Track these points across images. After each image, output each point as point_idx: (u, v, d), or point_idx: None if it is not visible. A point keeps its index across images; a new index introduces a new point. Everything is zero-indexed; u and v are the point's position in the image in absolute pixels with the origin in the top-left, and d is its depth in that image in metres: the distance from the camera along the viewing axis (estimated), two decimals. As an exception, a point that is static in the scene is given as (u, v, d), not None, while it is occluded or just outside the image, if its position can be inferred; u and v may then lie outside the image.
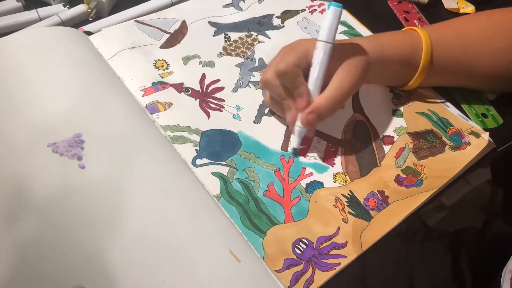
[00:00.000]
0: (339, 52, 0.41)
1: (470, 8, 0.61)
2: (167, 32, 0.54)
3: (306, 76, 0.42)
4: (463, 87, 0.50)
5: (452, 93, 0.51)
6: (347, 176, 0.44)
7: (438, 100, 0.50)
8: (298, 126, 0.42)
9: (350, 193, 0.42)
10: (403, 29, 0.48)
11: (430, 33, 0.46)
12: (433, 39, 0.46)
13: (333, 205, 0.41)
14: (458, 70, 0.47)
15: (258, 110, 0.48)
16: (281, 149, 0.45)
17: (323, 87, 0.41)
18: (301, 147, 0.44)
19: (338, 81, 0.41)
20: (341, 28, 0.57)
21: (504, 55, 0.46)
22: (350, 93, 0.42)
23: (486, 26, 0.47)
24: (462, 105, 0.50)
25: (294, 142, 0.44)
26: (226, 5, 0.58)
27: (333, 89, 0.41)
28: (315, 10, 0.59)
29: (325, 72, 0.41)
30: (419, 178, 0.43)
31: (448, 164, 0.44)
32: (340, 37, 0.55)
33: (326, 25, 0.40)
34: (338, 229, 0.40)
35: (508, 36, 0.46)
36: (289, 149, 0.45)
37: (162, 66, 0.50)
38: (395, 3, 0.61)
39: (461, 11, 0.61)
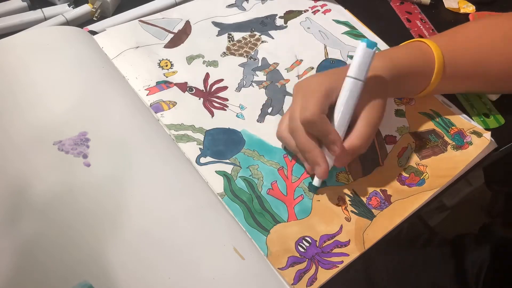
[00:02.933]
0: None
1: (471, 8, 0.62)
2: (171, 32, 0.54)
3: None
4: (481, 92, 0.51)
5: (454, 94, 0.51)
6: (349, 175, 0.44)
7: (440, 100, 0.50)
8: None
9: (353, 192, 0.43)
10: (411, 41, 0.48)
11: (441, 44, 0.45)
12: (446, 51, 0.45)
13: (336, 204, 0.42)
14: (471, 79, 0.47)
15: (261, 109, 0.48)
16: (285, 148, 0.45)
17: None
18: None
19: (368, 116, 0.40)
20: (343, 28, 0.57)
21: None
22: (379, 125, 0.41)
23: (495, 34, 0.47)
24: (463, 105, 0.50)
25: (316, 181, 0.42)
26: (230, 5, 0.58)
27: (363, 125, 0.40)
28: (318, 10, 0.59)
29: (353, 110, 0.40)
30: (421, 178, 0.44)
31: (450, 164, 0.44)
32: (342, 37, 0.56)
33: (358, 60, 0.39)
34: (341, 227, 0.40)
35: None
36: (310, 185, 0.43)
37: (166, 66, 0.51)
38: (398, 4, 0.62)
39: (462, 11, 0.62)
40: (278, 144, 0.45)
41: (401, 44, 0.47)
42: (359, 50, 0.39)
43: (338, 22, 0.58)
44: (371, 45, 0.39)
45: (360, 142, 0.39)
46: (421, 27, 0.59)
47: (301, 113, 0.39)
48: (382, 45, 0.55)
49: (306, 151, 0.40)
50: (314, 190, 0.43)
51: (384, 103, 0.41)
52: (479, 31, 0.47)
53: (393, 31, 0.58)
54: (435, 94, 0.50)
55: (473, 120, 0.49)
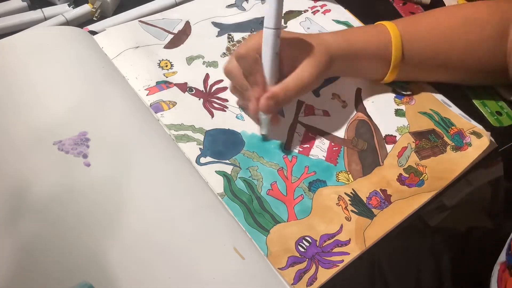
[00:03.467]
0: (303, 46, 0.42)
1: None
2: (171, 33, 0.54)
3: None
4: (445, 81, 0.51)
5: (465, 92, 0.52)
6: (349, 175, 0.44)
7: (440, 100, 0.50)
8: (260, 115, 0.43)
9: (353, 192, 0.43)
10: (375, 24, 0.48)
11: (401, 27, 0.46)
12: (404, 33, 0.45)
13: (336, 203, 0.42)
14: (432, 64, 0.48)
15: (261, 109, 0.48)
16: (284, 148, 0.45)
17: (283, 75, 0.42)
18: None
19: (298, 73, 0.42)
20: (343, 28, 0.57)
21: (477, 48, 0.46)
22: (309, 86, 0.42)
23: (458, 19, 0.47)
24: (475, 103, 0.51)
25: (262, 130, 0.45)
26: (230, 6, 0.58)
27: (291, 79, 0.41)
28: (318, 11, 0.59)
29: (275, 59, 0.41)
30: (420, 178, 0.44)
31: (449, 165, 0.44)
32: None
33: (268, 10, 0.40)
34: (341, 227, 0.40)
35: (479, 29, 0.46)
36: (260, 133, 0.46)
37: (166, 66, 0.51)
38: (400, 5, 0.62)
39: None
40: (278, 145, 0.45)
41: (360, 26, 0.48)
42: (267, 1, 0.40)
43: (338, 22, 0.58)
44: None
45: (282, 91, 0.41)
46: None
47: (238, 49, 0.42)
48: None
49: (242, 88, 0.43)
50: (263, 139, 0.45)
51: (321, 66, 0.42)
52: (441, 17, 0.48)
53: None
54: (403, 79, 0.50)
55: (472, 120, 0.48)
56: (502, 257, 0.39)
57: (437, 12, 0.49)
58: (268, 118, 0.43)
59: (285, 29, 0.56)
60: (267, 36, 0.40)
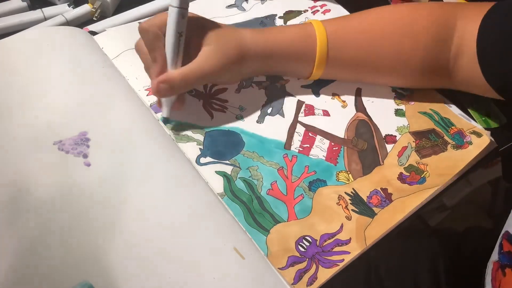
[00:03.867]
0: (214, 34, 0.41)
1: (463, 2, 0.62)
2: (171, 32, 0.54)
3: None
4: (378, 84, 0.50)
5: (454, 92, 0.51)
6: (350, 175, 0.44)
7: (440, 100, 0.50)
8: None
9: (353, 191, 0.43)
10: (303, 23, 0.47)
11: (329, 27, 0.45)
12: (332, 34, 0.44)
13: (336, 203, 0.42)
14: (361, 66, 0.47)
15: (261, 110, 0.48)
16: (285, 148, 0.45)
17: (190, 60, 0.41)
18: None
19: (200, 62, 0.41)
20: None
21: (410, 56, 0.45)
22: (210, 77, 0.42)
23: (391, 26, 0.46)
24: (465, 105, 0.50)
25: (163, 112, 0.44)
26: (229, 6, 0.58)
27: (192, 67, 0.41)
28: (318, 10, 0.59)
29: (178, 40, 0.40)
30: (422, 176, 0.44)
31: (451, 162, 0.44)
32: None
33: None
34: (342, 226, 0.40)
35: (411, 40, 0.45)
36: (160, 117, 0.45)
37: (166, 66, 0.51)
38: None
39: None
40: (278, 145, 0.45)
41: (290, 25, 0.47)
42: None
43: (337, 22, 0.58)
44: None
45: (180, 78, 0.40)
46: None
47: (142, 22, 0.41)
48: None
49: (146, 65, 0.43)
50: (164, 121, 0.45)
51: (227, 61, 0.41)
52: (375, 20, 0.46)
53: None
54: (330, 78, 0.50)
55: (473, 120, 0.49)
56: (495, 256, 0.39)
57: (372, 16, 0.47)
58: (171, 100, 0.43)
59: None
60: (170, 14, 0.39)
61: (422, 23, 0.45)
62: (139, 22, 0.54)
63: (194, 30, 0.41)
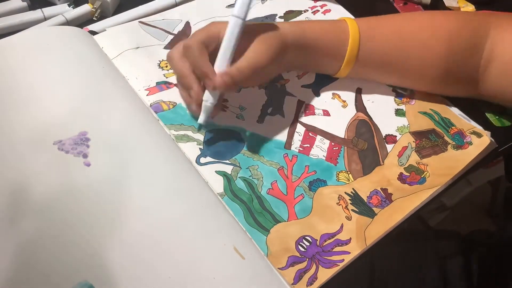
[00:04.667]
0: (256, 31, 0.42)
1: (470, 8, 0.61)
2: (171, 33, 0.54)
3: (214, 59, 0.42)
4: (405, 87, 0.50)
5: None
6: (350, 175, 0.44)
7: (441, 100, 0.50)
8: (205, 101, 0.42)
9: (353, 191, 0.42)
10: (339, 19, 0.48)
11: (362, 26, 0.45)
12: (364, 32, 0.45)
13: (336, 203, 0.42)
14: (388, 67, 0.47)
15: (261, 109, 0.48)
16: (285, 148, 0.45)
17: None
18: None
19: (251, 55, 0.41)
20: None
21: (437, 58, 0.45)
22: (263, 67, 0.42)
23: (423, 27, 0.46)
24: (479, 106, 0.50)
25: (201, 118, 0.43)
26: (230, 6, 0.58)
27: (244, 60, 0.41)
28: (318, 11, 0.59)
29: (235, 47, 0.41)
30: (422, 176, 0.44)
31: (451, 163, 0.44)
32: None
33: (238, 1, 0.40)
34: (342, 226, 0.40)
35: (443, 40, 0.45)
36: (196, 125, 0.45)
37: (166, 67, 0.51)
38: (401, 5, 0.62)
39: (462, 10, 0.61)
40: (278, 144, 0.45)
41: (320, 20, 0.47)
42: None
43: (338, 22, 0.58)
44: None
45: (234, 70, 0.41)
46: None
47: (187, 39, 0.41)
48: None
49: (182, 75, 0.42)
50: (199, 127, 0.44)
51: (274, 51, 0.42)
52: (407, 21, 0.47)
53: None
54: (356, 77, 0.50)
55: (472, 120, 0.48)
56: None
57: (405, 17, 0.48)
58: (211, 106, 0.43)
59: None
60: (234, 26, 0.40)
61: (455, 27, 0.45)
62: (139, 22, 0.54)
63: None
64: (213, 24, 0.43)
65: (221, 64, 0.41)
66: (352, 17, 0.58)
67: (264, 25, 0.43)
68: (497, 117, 0.49)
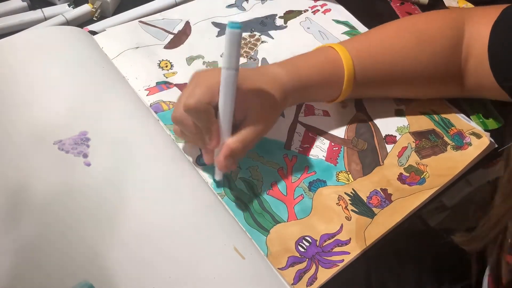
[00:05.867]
0: (255, 87, 0.39)
1: (471, 7, 0.62)
2: (171, 33, 0.54)
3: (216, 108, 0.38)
4: (400, 97, 0.50)
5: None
6: (349, 175, 0.44)
7: (440, 100, 0.50)
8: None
9: (353, 192, 0.43)
10: (320, 47, 0.47)
11: (352, 51, 0.44)
12: (355, 56, 0.44)
13: (336, 203, 0.42)
14: (384, 82, 0.46)
15: (261, 109, 0.48)
16: (285, 148, 0.45)
17: (236, 119, 0.39)
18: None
19: (252, 122, 0.38)
20: (343, 28, 0.57)
21: (430, 62, 0.45)
22: (264, 132, 0.40)
23: (408, 36, 0.46)
24: (463, 106, 0.50)
25: (217, 176, 0.42)
26: (229, 6, 0.58)
27: (247, 131, 0.38)
28: (318, 10, 0.59)
29: (233, 102, 0.37)
30: (421, 177, 0.44)
31: (450, 163, 0.44)
32: (342, 37, 0.56)
33: (226, 50, 0.35)
34: (342, 226, 0.40)
35: (429, 44, 0.45)
36: (215, 179, 0.42)
37: (166, 66, 0.51)
38: (398, 5, 0.62)
39: None
40: (278, 145, 0.45)
41: (310, 51, 0.46)
42: (225, 37, 0.35)
43: (338, 22, 0.58)
44: (233, 26, 0.34)
45: (240, 145, 0.38)
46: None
47: (187, 100, 0.36)
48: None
49: (194, 133, 0.39)
50: (217, 185, 0.42)
51: (276, 110, 0.40)
52: (392, 34, 0.46)
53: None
54: (356, 98, 0.49)
55: (472, 121, 0.49)
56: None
57: (389, 30, 0.47)
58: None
59: (285, 29, 0.56)
60: (227, 78, 0.36)
61: (437, 27, 0.46)
62: (139, 21, 0.54)
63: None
64: (209, 74, 0.39)
65: (222, 124, 0.38)
66: (352, 16, 0.58)
67: (265, 79, 0.40)
68: (481, 120, 0.49)
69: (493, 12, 0.44)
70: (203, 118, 0.37)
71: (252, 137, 0.38)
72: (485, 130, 0.47)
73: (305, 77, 0.42)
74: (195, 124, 0.38)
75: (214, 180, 0.42)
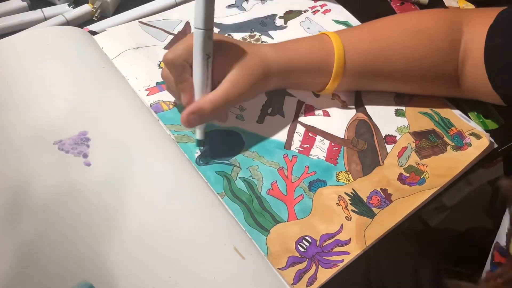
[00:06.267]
0: (237, 56, 0.40)
1: (470, 8, 0.61)
2: (171, 33, 0.54)
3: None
4: (394, 91, 0.50)
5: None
6: (349, 175, 0.44)
7: (440, 100, 0.50)
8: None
9: (353, 192, 0.43)
10: (316, 35, 0.47)
11: (345, 39, 0.44)
12: (347, 44, 0.44)
13: (336, 203, 0.42)
14: (375, 75, 0.46)
15: (261, 109, 0.48)
16: (285, 148, 0.45)
17: (214, 83, 0.40)
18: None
19: (227, 86, 0.39)
20: (343, 28, 0.57)
21: (425, 59, 0.45)
22: (237, 100, 0.40)
23: (403, 30, 0.46)
24: (463, 106, 0.50)
25: (197, 134, 0.43)
26: (229, 6, 0.58)
27: (219, 93, 0.39)
28: (318, 10, 0.59)
29: (206, 63, 0.39)
30: (421, 177, 0.44)
31: (450, 164, 0.44)
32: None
33: (197, 8, 0.37)
34: (341, 226, 0.40)
35: (427, 40, 0.45)
36: (196, 142, 0.44)
37: (166, 66, 0.51)
38: (398, 5, 0.62)
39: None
40: (278, 145, 0.45)
41: (305, 37, 0.46)
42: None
43: (338, 22, 0.58)
44: None
45: (209, 106, 0.39)
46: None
47: (167, 53, 0.39)
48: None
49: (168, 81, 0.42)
50: (198, 144, 0.43)
51: (253, 82, 0.41)
52: (387, 27, 0.46)
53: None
54: (345, 90, 0.49)
55: (472, 121, 0.49)
56: (487, 266, 0.39)
57: (383, 23, 0.47)
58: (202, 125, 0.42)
59: (285, 29, 0.56)
60: (196, 37, 0.38)
61: (434, 24, 0.46)
62: (139, 22, 0.54)
63: (217, 51, 0.40)
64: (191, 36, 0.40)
65: (196, 86, 0.40)
66: (352, 16, 0.58)
67: (248, 48, 0.41)
68: (481, 120, 0.49)
69: (490, 14, 0.44)
70: (178, 73, 0.39)
71: (223, 101, 0.39)
72: (485, 130, 0.47)
73: (293, 59, 0.43)
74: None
75: (197, 141, 0.43)
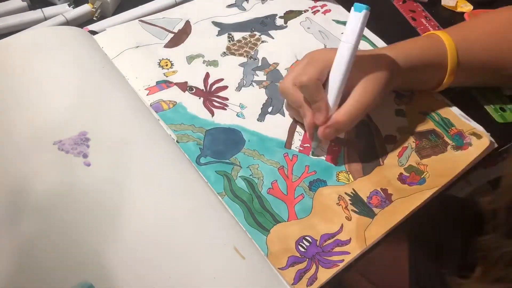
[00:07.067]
0: (361, 64, 0.41)
1: (469, 7, 0.62)
2: (171, 32, 0.54)
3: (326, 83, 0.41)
4: (499, 86, 0.51)
5: (470, 89, 0.52)
6: (350, 175, 0.44)
7: (440, 100, 0.50)
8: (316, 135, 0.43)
9: (353, 192, 0.43)
10: (423, 35, 0.48)
11: (454, 36, 0.46)
12: (456, 40, 0.45)
13: (336, 203, 0.42)
14: (485, 69, 0.47)
15: (261, 108, 0.48)
16: (285, 147, 0.45)
17: (343, 96, 0.41)
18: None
19: (358, 96, 0.40)
20: (343, 28, 0.56)
21: None
22: (370, 108, 0.41)
23: (504, 24, 0.47)
24: (479, 100, 0.51)
25: (313, 147, 0.45)
26: (230, 5, 0.58)
27: (352, 104, 0.40)
28: (318, 11, 0.59)
29: (345, 79, 0.40)
30: (422, 177, 0.44)
31: (451, 163, 0.44)
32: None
33: (348, 26, 0.39)
34: (342, 226, 0.40)
35: None
36: (310, 153, 0.45)
37: (166, 65, 0.51)
38: (400, 3, 0.62)
39: (458, 9, 0.62)
40: (279, 144, 0.45)
41: (414, 38, 0.47)
42: (349, 16, 0.39)
43: (338, 22, 0.58)
44: (359, 8, 0.39)
45: (344, 118, 0.40)
46: (427, 25, 0.59)
47: (298, 76, 0.41)
48: (382, 45, 0.55)
49: (298, 106, 0.43)
50: (312, 154, 0.45)
51: (382, 86, 0.41)
52: (487, 21, 0.48)
53: (397, 30, 0.57)
54: (455, 86, 0.50)
55: (472, 120, 0.48)
56: None
57: (484, 17, 0.49)
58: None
59: (285, 29, 0.56)
60: (344, 52, 0.39)
61: None
62: (139, 20, 0.54)
63: None
64: (323, 52, 0.42)
65: (330, 96, 0.41)
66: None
67: (371, 57, 0.42)
68: (499, 113, 0.49)
69: None
70: (314, 93, 0.40)
71: (357, 111, 0.40)
72: (504, 123, 0.47)
73: (412, 56, 0.44)
74: (300, 97, 0.42)
75: (311, 151, 0.45)
